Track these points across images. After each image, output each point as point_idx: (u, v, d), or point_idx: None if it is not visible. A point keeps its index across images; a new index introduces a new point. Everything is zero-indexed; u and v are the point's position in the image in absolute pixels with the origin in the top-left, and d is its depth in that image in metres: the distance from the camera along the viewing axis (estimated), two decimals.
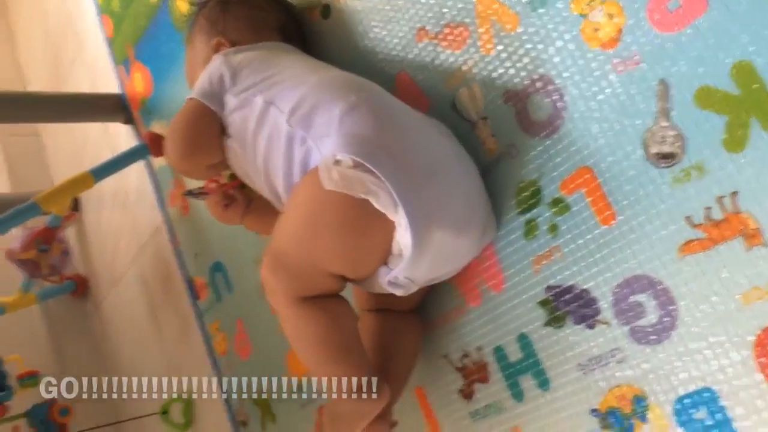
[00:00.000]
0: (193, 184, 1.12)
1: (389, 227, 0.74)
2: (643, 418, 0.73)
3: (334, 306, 0.80)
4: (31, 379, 1.47)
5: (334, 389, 0.79)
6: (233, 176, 0.96)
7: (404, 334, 0.91)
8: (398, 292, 0.79)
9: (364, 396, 0.78)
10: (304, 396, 1.17)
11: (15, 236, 1.61)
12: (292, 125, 0.81)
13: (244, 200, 0.98)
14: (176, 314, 1.53)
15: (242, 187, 0.98)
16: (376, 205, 0.72)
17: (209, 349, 1.41)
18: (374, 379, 0.79)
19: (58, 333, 1.87)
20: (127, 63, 1.57)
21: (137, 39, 1.52)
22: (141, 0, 1.48)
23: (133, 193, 1.67)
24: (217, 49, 0.96)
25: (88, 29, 1.75)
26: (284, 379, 1.21)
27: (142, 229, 1.63)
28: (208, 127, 0.88)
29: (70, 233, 1.89)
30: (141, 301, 1.68)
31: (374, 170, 0.72)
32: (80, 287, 1.90)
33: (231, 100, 0.88)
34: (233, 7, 1.01)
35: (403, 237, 0.73)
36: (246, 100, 0.86)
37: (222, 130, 0.89)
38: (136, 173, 1.61)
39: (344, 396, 0.78)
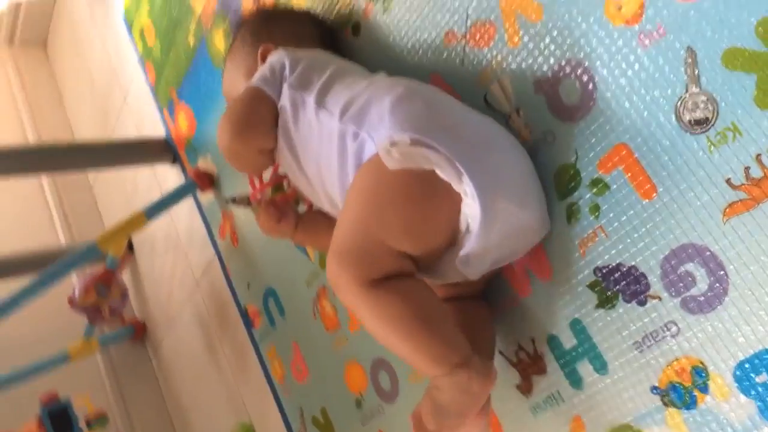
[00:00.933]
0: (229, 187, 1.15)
1: (455, 199, 0.74)
2: (705, 389, 0.72)
3: (408, 283, 0.75)
4: (100, 420, 1.50)
5: (434, 369, 0.72)
6: (279, 188, 0.98)
7: (480, 316, 0.89)
8: (470, 273, 0.77)
9: (472, 373, 0.72)
10: (365, 411, 1.18)
11: (74, 284, 1.67)
12: (344, 122, 0.82)
13: (296, 214, 0.99)
14: (233, 345, 1.56)
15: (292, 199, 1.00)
16: (442, 175, 0.73)
17: (267, 375, 1.43)
18: (476, 357, 0.74)
19: (120, 378, 1.91)
20: (171, 105, 1.64)
21: (179, 81, 1.58)
22: (180, 43, 1.55)
23: (184, 233, 1.72)
24: (263, 56, 0.98)
25: (131, 79, 1.83)
26: (344, 397, 1.22)
27: (195, 266, 1.68)
28: (265, 111, 0.89)
29: (125, 279, 1.95)
30: (198, 337, 1.72)
31: (434, 144, 0.74)
32: (138, 332, 1.95)
33: (285, 92, 0.89)
34: (275, 21, 1.05)
35: (470, 207, 0.73)
36: (299, 100, 0.87)
37: (277, 119, 0.90)
38: (185, 212, 1.66)
39: (443, 370, 0.72)
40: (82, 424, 1.48)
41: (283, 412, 1.40)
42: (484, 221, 0.73)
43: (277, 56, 0.94)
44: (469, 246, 0.75)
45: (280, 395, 1.40)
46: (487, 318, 0.90)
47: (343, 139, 0.82)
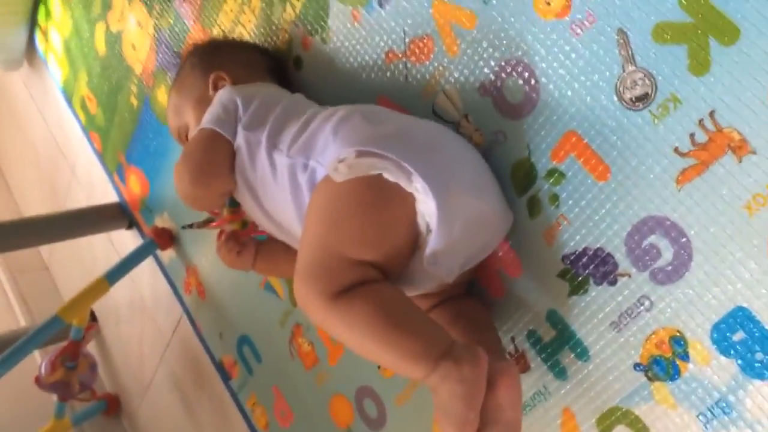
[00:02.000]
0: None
1: (409, 201, 0.74)
2: (686, 357, 0.73)
3: (372, 287, 0.72)
4: None
5: (418, 368, 0.69)
6: (244, 224, 0.98)
7: (469, 306, 0.88)
8: (441, 272, 0.76)
9: (458, 360, 0.68)
10: None
11: (40, 363, 1.62)
12: (292, 156, 0.83)
13: (255, 244, 0.99)
14: (212, 401, 1.52)
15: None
16: (390, 177, 0.73)
17: (250, 426, 1.40)
18: (459, 342, 0.70)
19: None
20: (121, 169, 1.63)
21: (126, 144, 1.58)
22: (123, 106, 1.55)
23: (148, 296, 1.69)
24: (215, 83, 0.98)
25: (77, 151, 1.82)
26: (333, 431, 1.20)
27: (164, 328, 1.64)
28: (222, 153, 0.88)
29: (93, 353, 1.89)
30: (175, 401, 1.67)
31: (379, 151, 0.74)
32: (112, 406, 1.89)
33: (240, 134, 0.88)
34: (226, 48, 1.06)
35: (425, 204, 0.73)
36: (253, 141, 0.87)
37: (234, 160, 0.89)
38: (147, 275, 1.63)
39: (427, 366, 0.68)
40: None
41: None
42: (441, 215, 0.72)
43: (228, 94, 0.93)
44: (432, 244, 0.74)
45: None
46: (479, 305, 0.89)
47: (293, 174, 0.83)
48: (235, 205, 0.97)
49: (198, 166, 0.89)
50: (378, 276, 0.73)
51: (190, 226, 1.07)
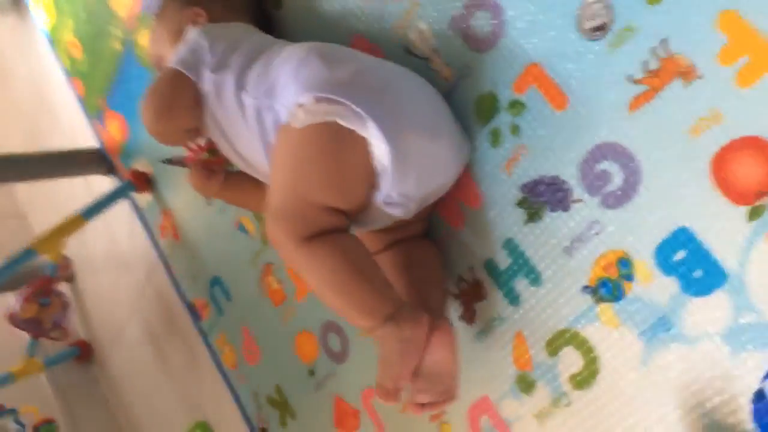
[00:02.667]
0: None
1: (363, 145, 0.78)
2: (630, 278, 0.77)
3: (340, 238, 0.80)
4: (48, 426, 1.46)
5: (367, 320, 0.79)
6: (214, 152, 1.01)
7: (423, 254, 0.93)
8: (398, 212, 0.82)
9: (402, 320, 0.78)
10: (318, 377, 1.19)
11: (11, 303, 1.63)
12: (257, 97, 0.87)
13: (224, 173, 1.02)
14: (183, 344, 1.54)
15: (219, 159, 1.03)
16: (343, 123, 0.77)
17: (219, 366, 1.43)
18: (406, 305, 0.80)
19: (68, 399, 1.86)
20: (101, 115, 1.64)
21: (108, 88, 1.59)
22: (106, 51, 1.56)
23: (124, 244, 1.71)
24: (193, 18, 1.01)
25: (59, 96, 1.82)
26: (296, 369, 1.23)
27: (138, 273, 1.66)
28: (185, 93, 0.92)
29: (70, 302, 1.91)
30: (146, 347, 1.70)
31: (334, 97, 0.79)
32: (84, 352, 1.91)
33: (207, 77, 0.91)
34: None
35: (378, 148, 0.77)
36: (221, 83, 0.90)
37: (198, 100, 0.92)
38: (123, 222, 1.65)
39: (375, 321, 0.78)
40: (29, 431, 1.44)
41: (239, 399, 1.39)
42: (394, 158, 0.77)
43: (196, 36, 0.96)
44: (386, 185, 0.80)
45: (234, 384, 1.40)
46: (429, 253, 0.94)
47: (260, 115, 0.87)
48: (214, 153, 1.01)
49: (160, 102, 0.93)
50: (344, 223, 0.80)
51: (169, 160, 1.09)
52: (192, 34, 0.96)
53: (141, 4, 1.43)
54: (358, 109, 0.77)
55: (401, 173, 0.79)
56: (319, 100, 0.80)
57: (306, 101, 0.81)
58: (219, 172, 1.02)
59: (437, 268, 0.93)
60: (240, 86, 0.89)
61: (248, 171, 0.98)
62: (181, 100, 0.92)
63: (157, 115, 0.93)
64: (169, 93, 0.93)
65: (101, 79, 1.62)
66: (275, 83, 0.86)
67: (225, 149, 0.97)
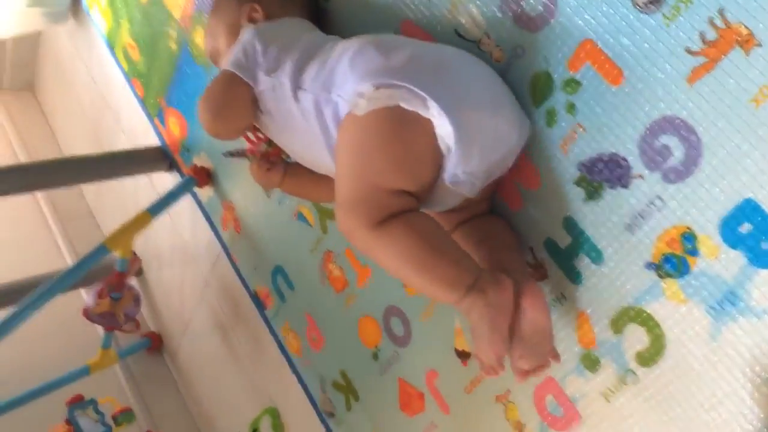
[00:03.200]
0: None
1: (428, 126, 0.79)
2: (695, 252, 0.76)
3: (412, 216, 0.80)
4: (126, 415, 1.53)
5: (450, 293, 0.79)
6: (272, 143, 1.03)
7: (492, 225, 0.93)
8: (464, 190, 0.82)
9: (485, 286, 0.78)
10: (382, 360, 1.21)
11: (85, 298, 1.70)
12: (315, 92, 0.88)
13: (284, 165, 1.05)
14: (248, 333, 1.59)
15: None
16: (406, 106, 0.78)
17: (284, 352, 1.46)
18: (486, 271, 0.80)
19: (141, 388, 1.94)
20: (161, 113, 1.69)
21: (166, 88, 1.64)
22: (163, 51, 1.60)
23: (188, 237, 1.76)
24: (250, 15, 1.03)
25: (120, 99, 1.88)
26: (360, 353, 1.25)
27: (203, 265, 1.72)
28: (241, 96, 0.94)
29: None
30: (213, 336, 1.75)
31: (394, 81, 0.80)
32: (155, 343, 1.98)
33: (263, 79, 0.93)
34: None
35: (442, 127, 0.78)
36: (277, 84, 0.92)
37: (254, 101, 0.95)
38: (186, 216, 1.71)
39: (459, 292, 0.78)
40: (109, 420, 1.51)
41: (305, 385, 1.43)
42: (458, 135, 0.78)
43: (250, 37, 0.97)
44: (453, 163, 0.80)
45: (300, 369, 1.43)
46: (502, 224, 0.94)
47: (319, 109, 0.88)
48: (273, 144, 1.04)
49: (216, 104, 0.95)
50: (414, 204, 0.81)
51: (231, 153, 1.12)
52: (246, 35, 0.98)
53: (194, 4, 1.46)
54: (419, 91, 0.78)
55: (466, 150, 0.79)
56: (378, 86, 0.81)
57: (365, 90, 0.82)
58: (279, 163, 1.04)
59: (510, 235, 0.93)
60: (297, 85, 0.91)
61: (306, 165, 1.00)
62: (235, 102, 0.95)
63: (213, 117, 0.95)
64: (223, 96, 0.95)
65: (159, 78, 1.66)
66: (332, 77, 0.87)
67: (283, 144, 1.00)
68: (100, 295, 1.56)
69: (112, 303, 1.60)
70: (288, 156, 1.05)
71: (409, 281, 0.83)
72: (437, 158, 0.81)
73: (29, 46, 2.34)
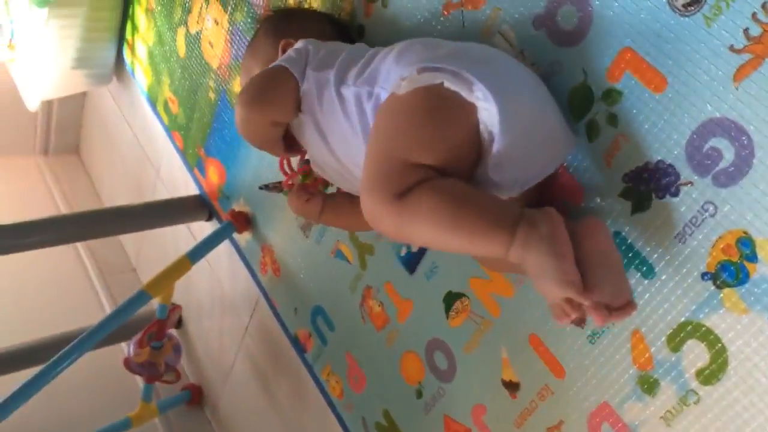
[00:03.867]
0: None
1: (470, 111, 0.76)
2: (754, 258, 0.73)
3: (433, 180, 0.73)
4: None
5: (498, 241, 0.70)
6: (308, 175, 1.03)
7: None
8: (505, 187, 0.78)
9: (532, 221, 0.70)
10: (426, 398, 1.17)
11: (125, 349, 1.70)
12: (358, 86, 0.87)
13: (323, 195, 1.04)
14: (289, 378, 1.56)
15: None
16: (451, 85, 0.76)
17: (326, 397, 1.43)
18: (527, 208, 0.73)
19: None
20: (201, 163, 1.72)
21: (205, 138, 1.67)
22: (202, 101, 1.64)
23: (227, 285, 1.76)
24: (285, 49, 1.03)
25: (161, 152, 1.93)
26: (403, 391, 1.21)
27: (242, 312, 1.71)
28: (285, 85, 0.93)
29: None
30: (254, 383, 1.72)
31: (440, 65, 0.78)
32: (195, 395, 1.96)
33: (309, 74, 0.93)
34: (296, 17, 1.12)
35: (487, 111, 0.75)
36: (322, 80, 0.91)
37: (296, 96, 0.93)
38: (225, 263, 1.71)
39: (505, 236, 0.70)
40: None
41: (347, 430, 1.38)
42: (503, 119, 0.74)
43: (302, 43, 0.99)
44: (496, 149, 0.75)
45: (342, 413, 1.39)
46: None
47: (360, 102, 0.87)
48: (309, 176, 1.03)
49: (257, 90, 0.94)
50: (436, 175, 0.74)
51: (266, 186, 1.12)
52: (299, 43, 0.99)
53: (231, 53, 1.50)
54: (464, 73, 0.76)
55: (510, 135, 0.75)
56: (422, 70, 0.79)
57: (409, 74, 0.80)
58: (317, 194, 1.04)
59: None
60: (340, 80, 0.90)
61: (343, 181, 0.98)
62: (279, 90, 0.93)
63: (251, 100, 0.93)
64: (268, 83, 0.94)
65: (198, 129, 1.70)
66: (377, 71, 0.87)
67: (319, 150, 0.97)
68: (140, 344, 1.56)
69: (152, 352, 1.59)
70: (327, 185, 1.05)
71: (450, 244, 0.74)
72: (475, 144, 0.77)
73: (74, 107, 2.42)
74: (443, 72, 0.78)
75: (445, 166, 0.75)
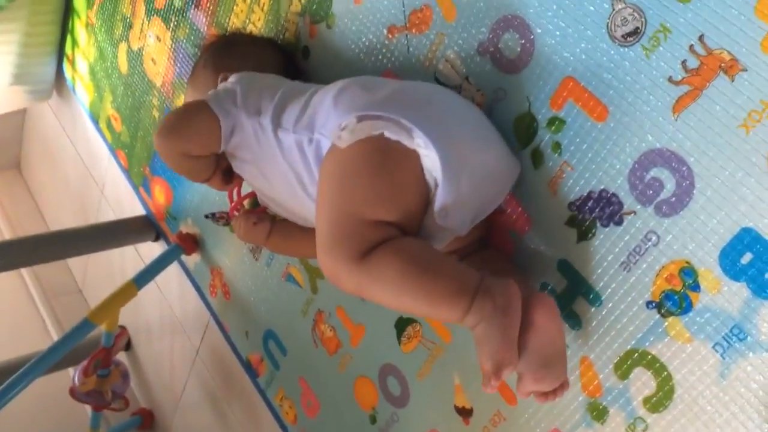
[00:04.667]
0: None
1: (413, 158, 0.75)
2: (696, 288, 0.73)
3: (395, 241, 0.73)
4: None
5: (456, 308, 0.71)
6: (255, 203, 1.01)
7: (491, 254, 0.89)
8: (454, 227, 0.78)
9: (490, 290, 0.71)
10: (380, 423, 1.16)
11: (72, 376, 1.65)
12: (298, 132, 0.86)
13: (270, 220, 1.02)
14: (242, 402, 1.53)
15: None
16: (392, 136, 0.75)
17: (280, 422, 1.40)
18: (488, 276, 0.73)
19: None
20: (146, 182, 1.67)
21: (150, 156, 1.62)
22: (146, 119, 1.60)
23: (177, 307, 1.72)
24: (225, 81, 1.01)
25: (105, 170, 1.87)
26: (357, 417, 1.20)
27: (192, 335, 1.67)
28: (202, 122, 0.92)
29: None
30: (206, 407, 1.69)
31: (378, 113, 0.77)
32: (146, 420, 1.91)
33: (244, 122, 0.91)
34: (238, 47, 1.09)
35: (429, 158, 0.74)
36: (257, 126, 0.90)
37: (214, 133, 0.92)
38: (175, 285, 1.67)
39: (464, 304, 0.71)
40: None
41: None
42: (445, 167, 0.74)
43: (230, 81, 0.97)
44: (441, 196, 0.76)
45: None
46: (500, 255, 0.89)
47: (301, 149, 0.85)
48: (256, 204, 1.02)
49: (171, 122, 0.95)
50: (397, 233, 0.75)
51: (212, 214, 1.10)
52: (231, 78, 0.97)
53: (175, 70, 1.46)
54: (403, 121, 0.75)
55: (453, 183, 0.75)
56: (361, 118, 0.78)
57: (348, 122, 0.78)
58: (264, 219, 1.02)
59: (510, 261, 0.89)
60: (277, 125, 0.88)
61: (290, 216, 0.97)
62: (195, 125, 0.92)
63: (167, 131, 0.94)
64: (186, 116, 0.94)
65: (143, 147, 1.65)
66: (315, 117, 0.85)
67: (265, 193, 0.97)
68: (85, 373, 1.51)
69: (99, 380, 1.54)
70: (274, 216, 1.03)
71: (410, 307, 0.75)
72: (423, 191, 0.77)
73: (14, 124, 2.34)
74: (383, 120, 0.76)
75: (401, 219, 0.75)
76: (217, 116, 0.91)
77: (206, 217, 1.10)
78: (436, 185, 0.76)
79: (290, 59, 1.13)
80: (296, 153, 0.86)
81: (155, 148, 0.95)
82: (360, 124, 0.77)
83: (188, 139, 0.94)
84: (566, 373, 0.75)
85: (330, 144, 0.81)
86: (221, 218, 1.05)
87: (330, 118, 0.82)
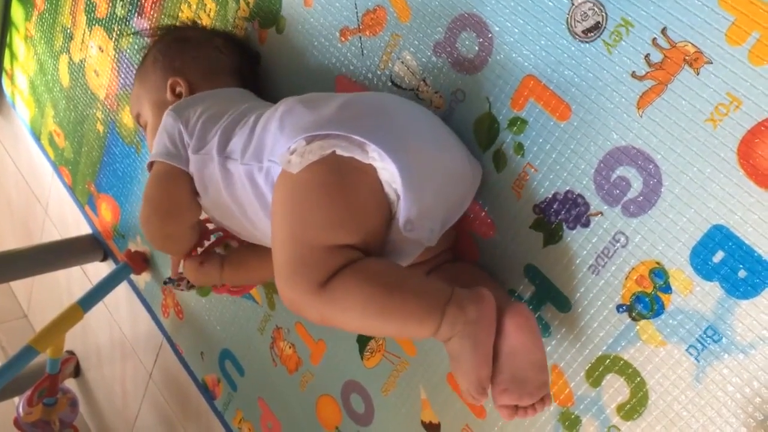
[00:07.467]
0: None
1: (370, 173, 0.71)
2: (667, 289, 0.71)
3: (357, 264, 0.69)
4: None
5: (428, 324, 0.68)
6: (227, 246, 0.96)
7: (462, 266, 0.85)
8: (422, 238, 0.73)
9: (461, 303, 0.68)
10: None
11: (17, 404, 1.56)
12: (247, 161, 0.81)
13: (219, 256, 0.96)
14: (199, 426, 1.47)
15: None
16: (343, 152, 0.71)
17: None
18: (458, 289, 0.70)
19: None
20: (92, 200, 1.60)
21: (95, 173, 1.55)
22: (90, 134, 1.53)
23: (127, 329, 1.65)
24: (173, 89, 0.97)
25: (48, 188, 1.79)
26: None
27: (145, 358, 1.60)
28: (183, 188, 0.87)
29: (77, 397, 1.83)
30: (162, 430, 1.61)
31: (326, 132, 0.73)
32: None
33: (192, 158, 0.87)
34: (192, 46, 1.02)
35: (386, 171, 0.71)
36: (205, 161, 0.85)
37: (194, 188, 0.88)
38: (125, 307, 1.60)
39: (435, 320, 0.67)
40: None
41: None
42: (405, 178, 0.70)
43: (169, 124, 0.91)
44: (404, 208, 0.72)
45: None
46: (472, 266, 0.86)
47: (252, 178, 0.81)
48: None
49: (162, 205, 0.89)
50: (359, 255, 0.71)
51: (171, 280, 1.03)
52: (166, 119, 0.91)
53: (119, 82, 1.40)
54: (354, 136, 0.71)
55: (416, 193, 0.71)
56: (309, 139, 0.73)
57: (297, 145, 0.74)
58: (212, 255, 0.96)
59: (482, 272, 0.85)
60: (225, 157, 0.83)
61: (249, 238, 0.92)
62: (180, 196, 0.88)
63: (162, 220, 0.89)
64: (167, 194, 0.88)
65: (87, 163, 1.58)
66: (262, 143, 0.80)
67: (224, 226, 0.93)
68: (29, 402, 1.43)
69: (45, 410, 1.46)
70: (225, 248, 0.98)
71: (380, 330, 0.73)
72: (384, 206, 0.73)
73: None
74: (332, 138, 0.72)
75: (363, 240, 0.71)
76: (184, 170, 0.87)
77: (165, 283, 1.04)
78: (398, 198, 0.72)
79: (248, 63, 1.07)
80: (248, 184, 0.81)
81: (156, 240, 0.91)
82: (309, 146, 0.73)
83: (185, 210, 0.90)
84: (548, 386, 0.71)
85: (280, 170, 0.76)
86: (181, 281, 0.99)
87: (278, 144, 0.77)
